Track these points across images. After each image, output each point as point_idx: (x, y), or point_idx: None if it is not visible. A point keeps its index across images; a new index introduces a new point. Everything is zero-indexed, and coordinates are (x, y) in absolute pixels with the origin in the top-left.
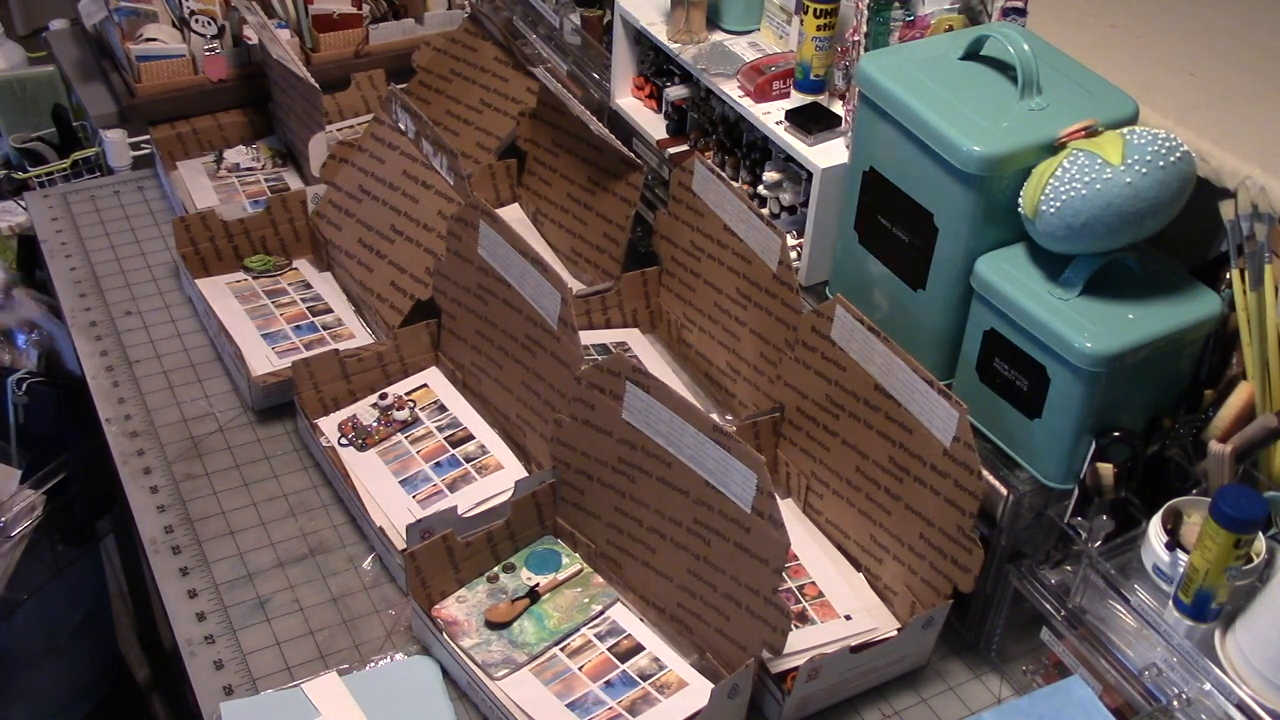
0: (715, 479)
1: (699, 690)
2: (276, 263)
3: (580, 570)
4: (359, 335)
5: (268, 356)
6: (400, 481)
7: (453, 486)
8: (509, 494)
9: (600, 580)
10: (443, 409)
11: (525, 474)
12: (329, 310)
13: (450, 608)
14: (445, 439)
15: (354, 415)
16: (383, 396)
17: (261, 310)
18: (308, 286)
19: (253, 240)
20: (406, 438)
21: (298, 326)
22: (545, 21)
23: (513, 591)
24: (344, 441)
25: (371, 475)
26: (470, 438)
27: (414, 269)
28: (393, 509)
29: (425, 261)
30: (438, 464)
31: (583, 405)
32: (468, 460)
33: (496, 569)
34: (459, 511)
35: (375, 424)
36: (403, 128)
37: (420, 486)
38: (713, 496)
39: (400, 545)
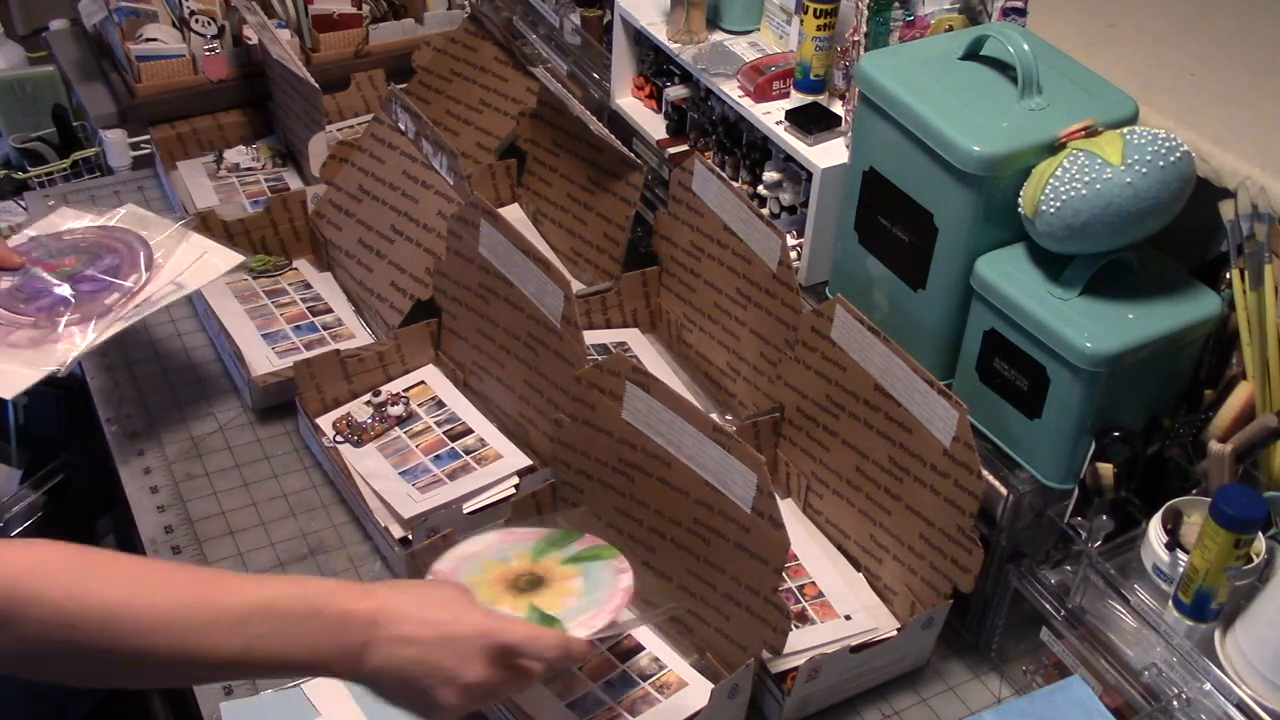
0: (715, 479)
1: (699, 690)
2: (276, 263)
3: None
4: (359, 335)
5: (268, 356)
6: (400, 473)
7: (452, 477)
8: (512, 480)
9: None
10: (441, 405)
11: (526, 461)
12: (329, 310)
13: None
14: (444, 433)
15: (348, 413)
16: (376, 393)
17: (261, 310)
18: (308, 286)
19: (253, 240)
20: (405, 433)
21: (298, 326)
22: (545, 21)
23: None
24: (339, 439)
25: (371, 468)
26: (469, 431)
27: (414, 269)
28: (393, 497)
29: (425, 261)
30: (437, 456)
31: (583, 405)
32: (467, 453)
33: None
34: (466, 491)
35: (369, 420)
36: (402, 128)
37: (420, 477)
38: (713, 496)
39: (400, 536)
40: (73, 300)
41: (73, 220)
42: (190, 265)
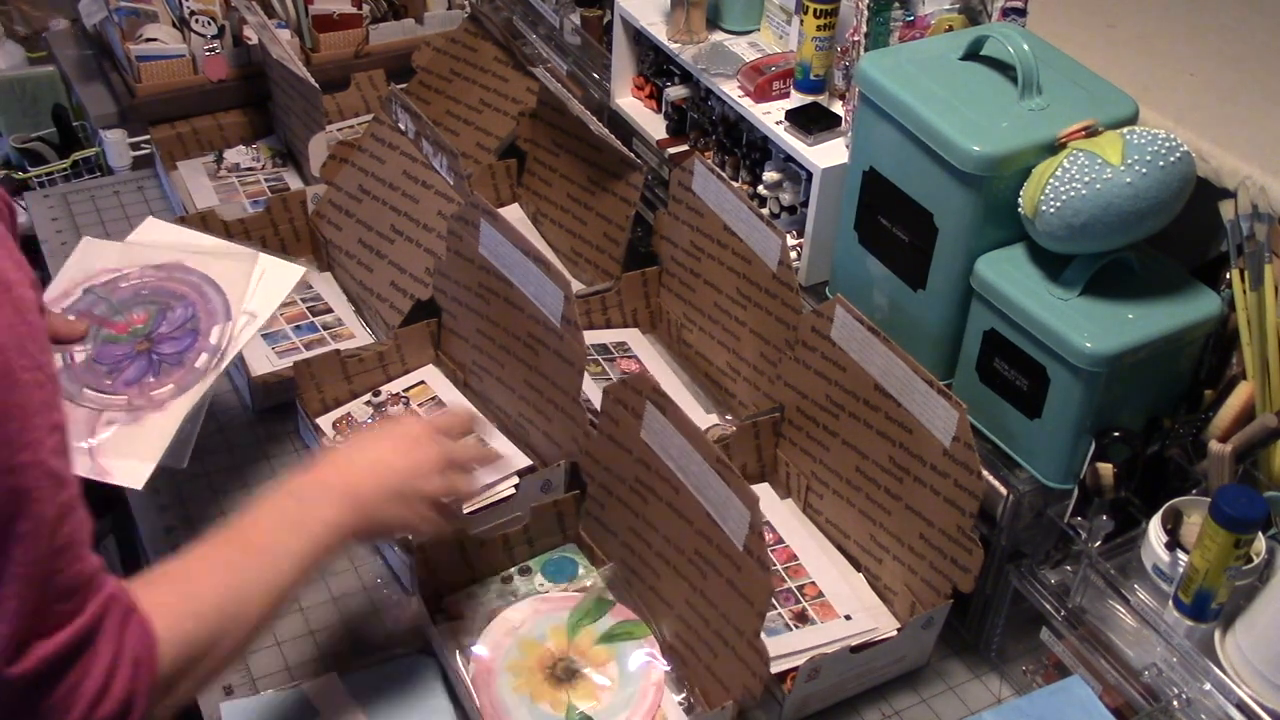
0: (715, 511)
1: None
2: None
3: (593, 585)
4: (359, 335)
5: (267, 356)
6: None
7: None
8: (512, 480)
9: (609, 597)
10: (441, 405)
11: (526, 461)
12: (329, 310)
13: (459, 603)
14: None
15: (348, 413)
16: (376, 394)
17: None
18: (308, 286)
19: (253, 240)
20: None
21: (297, 326)
22: (545, 21)
23: (524, 594)
24: (340, 440)
25: None
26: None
27: (414, 269)
28: None
29: (425, 261)
30: None
31: (608, 419)
32: None
33: (512, 570)
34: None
35: (369, 420)
36: (403, 128)
37: None
38: (712, 529)
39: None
40: (157, 366)
41: (106, 256)
42: (254, 289)
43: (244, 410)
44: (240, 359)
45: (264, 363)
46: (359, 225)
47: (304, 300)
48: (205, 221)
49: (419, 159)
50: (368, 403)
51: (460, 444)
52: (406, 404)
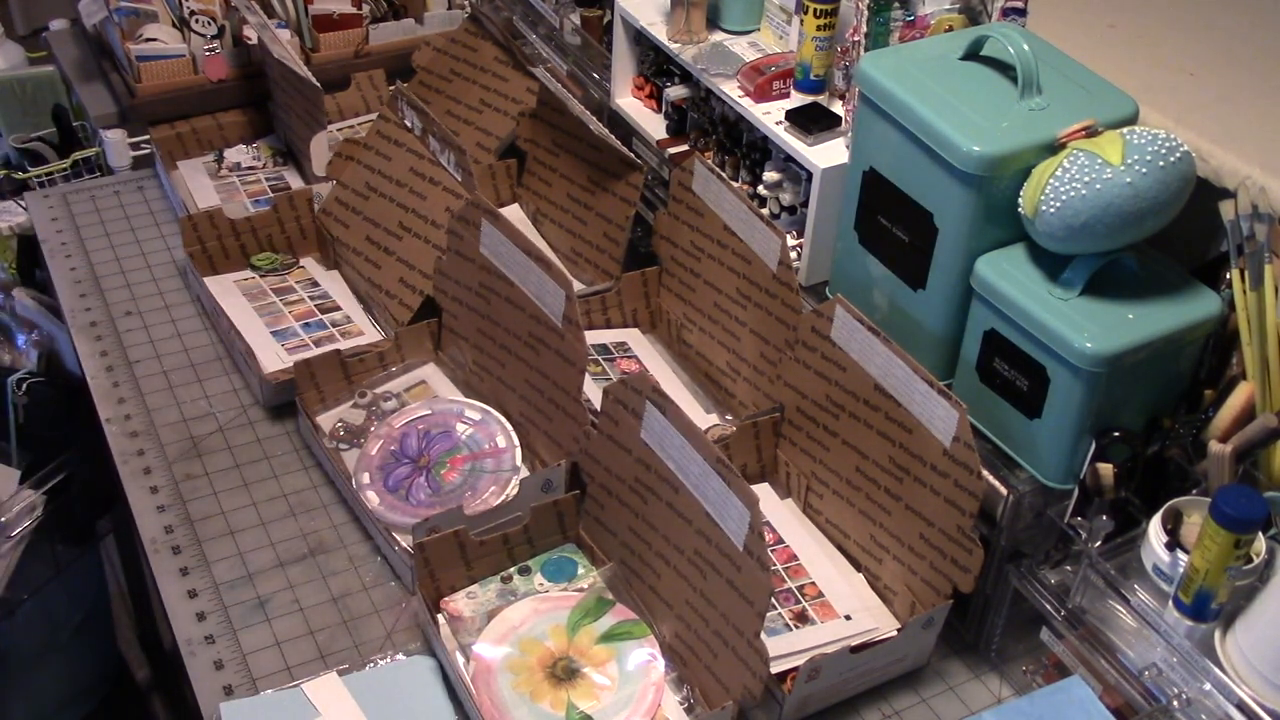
0: (715, 511)
1: None
2: (283, 261)
3: (593, 584)
4: (368, 332)
5: (277, 353)
6: None
7: None
8: (515, 484)
9: (609, 596)
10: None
11: (525, 459)
12: (337, 308)
13: (459, 602)
14: None
15: (342, 418)
16: (362, 394)
17: (269, 308)
18: (315, 284)
19: (259, 238)
20: None
21: (306, 324)
22: (545, 21)
23: (524, 594)
24: (343, 447)
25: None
26: None
27: (423, 265)
28: None
29: (433, 257)
30: None
31: (608, 419)
32: None
33: (512, 570)
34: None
35: (364, 421)
36: (409, 125)
37: None
38: (712, 529)
39: (402, 542)
40: None
41: None
42: None
43: (244, 410)
44: (251, 355)
45: (274, 360)
46: (366, 222)
47: (312, 298)
48: (213, 220)
49: (426, 155)
50: (354, 405)
51: None
52: (394, 395)
